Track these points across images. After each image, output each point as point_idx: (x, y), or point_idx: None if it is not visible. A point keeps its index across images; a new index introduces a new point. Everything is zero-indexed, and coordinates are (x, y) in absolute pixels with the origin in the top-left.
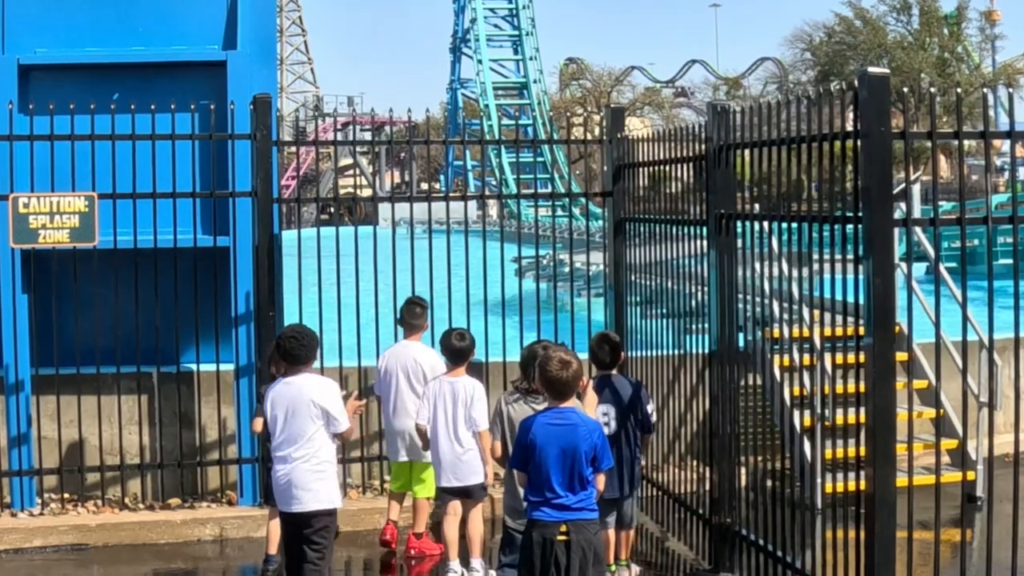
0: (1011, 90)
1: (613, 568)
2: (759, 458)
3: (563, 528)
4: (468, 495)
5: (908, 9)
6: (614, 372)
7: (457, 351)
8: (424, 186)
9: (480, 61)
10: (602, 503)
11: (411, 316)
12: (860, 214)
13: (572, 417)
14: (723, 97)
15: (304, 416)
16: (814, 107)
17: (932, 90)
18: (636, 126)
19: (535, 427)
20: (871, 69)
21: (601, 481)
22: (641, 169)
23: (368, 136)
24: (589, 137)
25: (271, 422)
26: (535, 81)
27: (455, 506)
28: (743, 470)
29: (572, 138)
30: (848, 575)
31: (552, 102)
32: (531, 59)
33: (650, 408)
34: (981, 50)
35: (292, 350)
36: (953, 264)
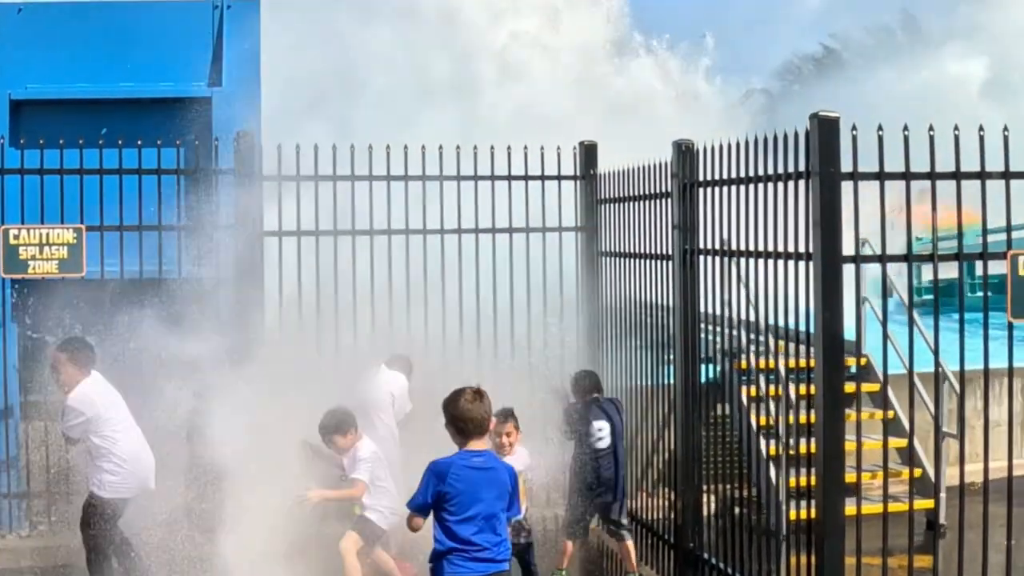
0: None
1: None
2: (725, 486)
3: None
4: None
5: (895, 40)
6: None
7: None
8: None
9: None
10: (597, 505)
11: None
12: (811, 251)
13: (493, 460)
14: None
15: None
16: (769, 148)
17: (880, 134)
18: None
19: (454, 470)
20: (821, 113)
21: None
22: (613, 204)
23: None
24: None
25: None
26: None
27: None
28: (710, 497)
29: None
30: None
31: None
32: None
33: None
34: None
35: None
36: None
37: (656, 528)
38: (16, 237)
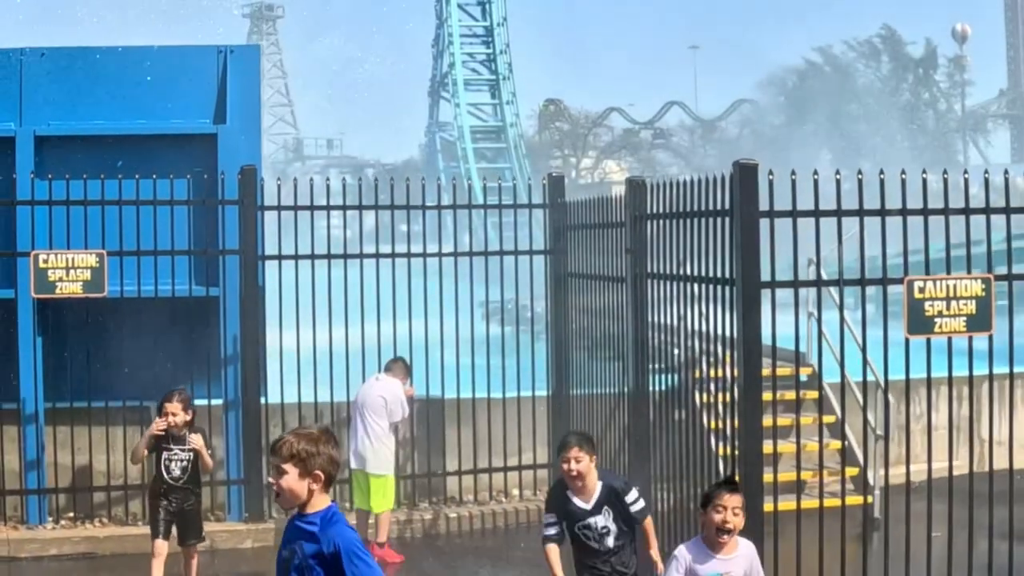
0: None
1: None
2: (681, 483)
3: None
4: None
5: (877, 55)
6: None
7: None
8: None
9: (458, 105)
10: None
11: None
12: (733, 276)
13: None
14: (699, 140)
15: None
16: (700, 187)
17: (794, 178)
18: (612, 169)
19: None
20: (742, 160)
21: None
22: (577, 231)
23: (348, 178)
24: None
25: None
26: (512, 125)
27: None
28: (667, 494)
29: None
30: None
31: (531, 143)
32: (508, 103)
33: None
34: (949, 96)
35: None
36: None
37: None
38: (45, 261)
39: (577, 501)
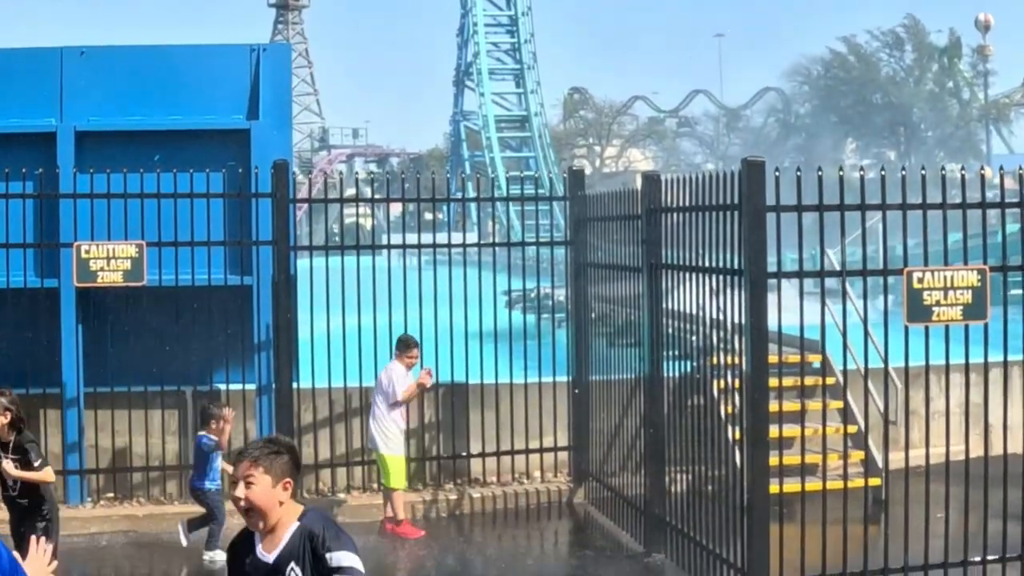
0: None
1: None
2: (690, 466)
3: None
4: None
5: (901, 45)
6: None
7: None
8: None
9: (483, 94)
10: None
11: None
12: (741, 267)
13: None
14: (724, 129)
15: None
16: (710, 183)
17: (799, 174)
18: (637, 157)
19: None
20: (749, 157)
21: None
22: (596, 223)
23: (373, 167)
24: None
25: None
26: (536, 114)
27: None
28: (681, 476)
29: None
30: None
31: (556, 132)
32: (532, 92)
33: None
34: (973, 85)
35: None
36: None
37: (634, 501)
38: (87, 252)
39: (260, 549)
